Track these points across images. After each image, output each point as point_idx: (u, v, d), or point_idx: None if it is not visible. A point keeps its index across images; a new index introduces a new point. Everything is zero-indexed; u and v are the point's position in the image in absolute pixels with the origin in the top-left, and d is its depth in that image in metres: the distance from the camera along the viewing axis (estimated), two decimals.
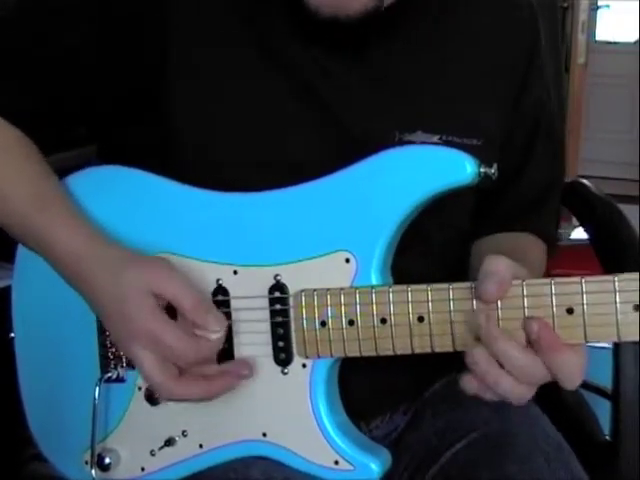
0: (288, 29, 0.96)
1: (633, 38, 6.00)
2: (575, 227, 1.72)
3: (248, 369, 0.91)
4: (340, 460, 0.91)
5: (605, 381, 1.23)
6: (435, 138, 0.97)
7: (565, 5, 4.63)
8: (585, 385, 1.31)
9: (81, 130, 1.08)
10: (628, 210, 1.38)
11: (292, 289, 0.91)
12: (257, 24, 0.96)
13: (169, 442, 0.97)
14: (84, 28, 0.96)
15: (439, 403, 1.06)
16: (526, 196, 1.10)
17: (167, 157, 0.97)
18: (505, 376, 0.80)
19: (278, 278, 0.91)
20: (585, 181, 1.45)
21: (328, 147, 0.96)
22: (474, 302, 0.84)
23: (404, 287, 0.87)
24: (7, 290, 1.05)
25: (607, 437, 1.22)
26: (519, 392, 0.81)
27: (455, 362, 1.01)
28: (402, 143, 0.96)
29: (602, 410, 1.25)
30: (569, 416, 1.26)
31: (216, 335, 0.87)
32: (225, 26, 0.95)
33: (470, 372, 0.82)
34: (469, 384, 0.83)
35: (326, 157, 0.93)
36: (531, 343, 0.81)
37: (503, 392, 0.81)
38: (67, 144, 1.09)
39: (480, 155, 0.91)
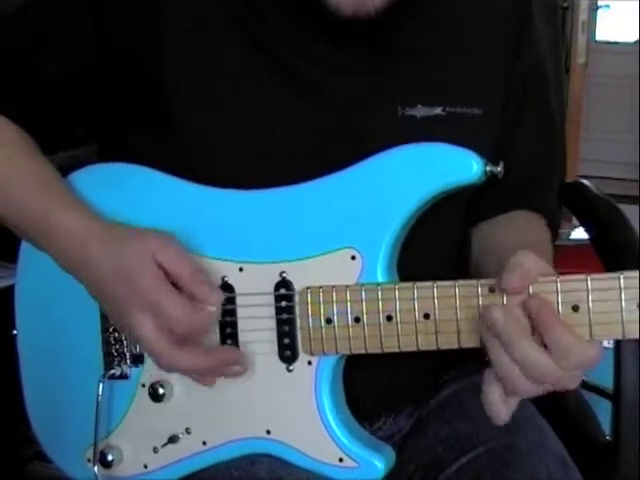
0: (280, 20, 0.95)
1: (633, 38, 6.04)
2: (575, 227, 1.72)
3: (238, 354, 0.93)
4: (344, 457, 0.91)
5: (605, 381, 1.23)
6: (438, 109, 0.97)
7: (565, 5, 4.64)
8: (585, 385, 1.31)
9: (78, 130, 1.08)
10: (628, 210, 1.39)
11: (298, 286, 0.91)
12: (249, 23, 0.96)
13: (172, 439, 0.96)
14: (79, 34, 0.97)
15: (445, 410, 1.05)
16: (520, 171, 1.06)
17: (168, 158, 0.96)
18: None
19: (284, 275, 0.91)
20: (585, 181, 1.45)
21: (328, 133, 0.95)
22: (480, 299, 0.84)
23: (410, 284, 0.87)
24: (10, 289, 1.05)
25: (607, 437, 1.22)
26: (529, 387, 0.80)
27: (461, 365, 1.01)
28: (405, 118, 0.96)
29: (602, 410, 1.25)
30: (569, 416, 1.27)
31: (212, 307, 0.88)
32: (219, 29, 0.95)
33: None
34: (487, 379, 0.82)
35: (326, 142, 0.94)
36: (532, 323, 0.80)
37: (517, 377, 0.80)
38: (66, 144, 1.09)
39: (482, 125, 0.92)
